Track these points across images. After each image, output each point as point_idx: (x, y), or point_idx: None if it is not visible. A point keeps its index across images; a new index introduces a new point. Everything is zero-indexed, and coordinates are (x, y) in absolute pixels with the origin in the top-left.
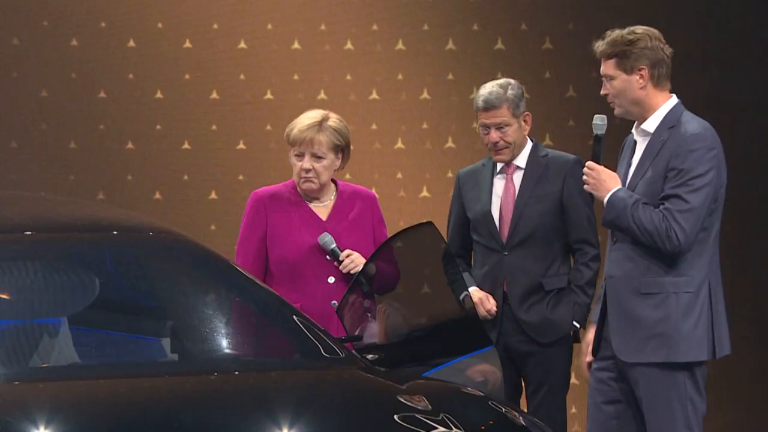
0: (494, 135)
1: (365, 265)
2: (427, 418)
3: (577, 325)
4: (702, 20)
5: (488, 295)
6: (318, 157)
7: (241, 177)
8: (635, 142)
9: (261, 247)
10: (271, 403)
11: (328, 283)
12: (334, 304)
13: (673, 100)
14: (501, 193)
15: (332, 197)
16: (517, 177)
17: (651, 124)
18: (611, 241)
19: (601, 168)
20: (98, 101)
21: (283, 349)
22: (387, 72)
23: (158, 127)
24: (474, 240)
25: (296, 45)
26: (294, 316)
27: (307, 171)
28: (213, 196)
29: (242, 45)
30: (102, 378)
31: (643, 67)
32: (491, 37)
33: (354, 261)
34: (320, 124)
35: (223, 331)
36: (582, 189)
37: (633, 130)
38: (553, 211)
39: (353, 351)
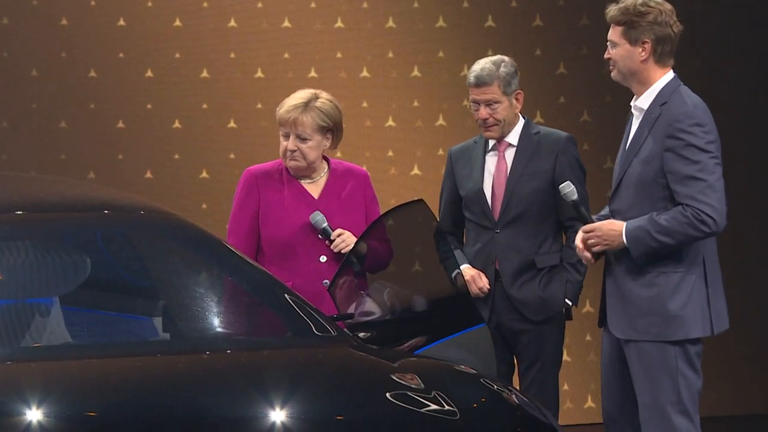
0: (484, 112)
1: (356, 244)
2: (419, 396)
3: (569, 303)
4: (694, 10)
5: (480, 273)
6: (303, 138)
7: (232, 155)
8: (631, 117)
9: (254, 225)
10: (263, 382)
11: (320, 262)
12: (326, 283)
13: (669, 75)
14: (493, 171)
15: (324, 175)
16: (509, 154)
17: (645, 100)
18: (612, 217)
19: (595, 225)
20: (88, 80)
21: (275, 327)
22: (377, 50)
23: (149, 106)
24: (466, 218)
25: (286, 23)
26: (286, 295)
27: (292, 151)
28: (204, 174)
29: (232, 23)
30: (94, 357)
31: (647, 41)
32: (481, 14)
33: (345, 240)
34: (306, 105)
35: (214, 310)
36: (574, 166)
37: (631, 104)
38: (545, 188)
39: (345, 329)
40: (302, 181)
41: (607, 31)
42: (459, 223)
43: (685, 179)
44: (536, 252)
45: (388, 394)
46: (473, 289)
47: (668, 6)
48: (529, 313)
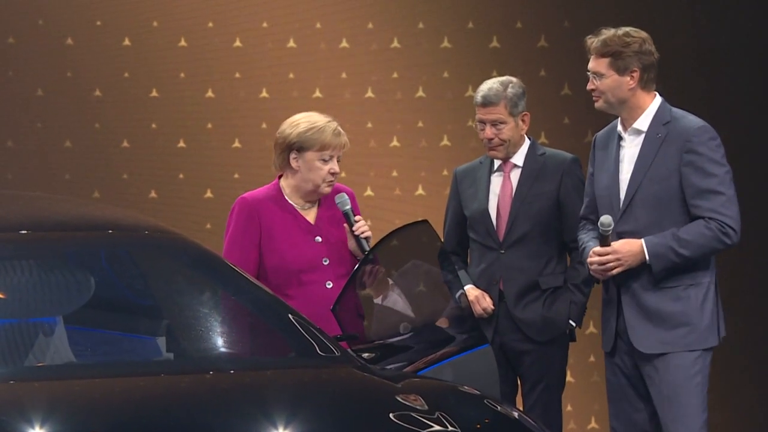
0: (489, 131)
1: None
2: (422, 417)
3: (573, 324)
4: (696, 18)
5: (484, 293)
6: (338, 161)
7: (236, 175)
8: (619, 140)
9: (254, 253)
10: (266, 402)
11: (326, 288)
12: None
13: (659, 98)
14: (498, 192)
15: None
16: (515, 175)
17: (643, 122)
18: (618, 239)
19: (609, 248)
20: (93, 100)
21: (279, 347)
22: (382, 70)
23: (153, 125)
24: (471, 238)
25: (291, 43)
26: (290, 315)
27: (334, 174)
28: (209, 194)
29: (237, 43)
30: (97, 377)
31: (636, 69)
32: (486, 35)
33: (365, 226)
34: (339, 128)
35: (218, 330)
36: (579, 187)
37: (618, 128)
38: (549, 209)
39: (349, 350)
40: (297, 207)
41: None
42: (463, 243)
43: (705, 193)
44: (540, 273)
45: (391, 415)
46: (477, 309)
47: (647, 35)
48: (532, 333)
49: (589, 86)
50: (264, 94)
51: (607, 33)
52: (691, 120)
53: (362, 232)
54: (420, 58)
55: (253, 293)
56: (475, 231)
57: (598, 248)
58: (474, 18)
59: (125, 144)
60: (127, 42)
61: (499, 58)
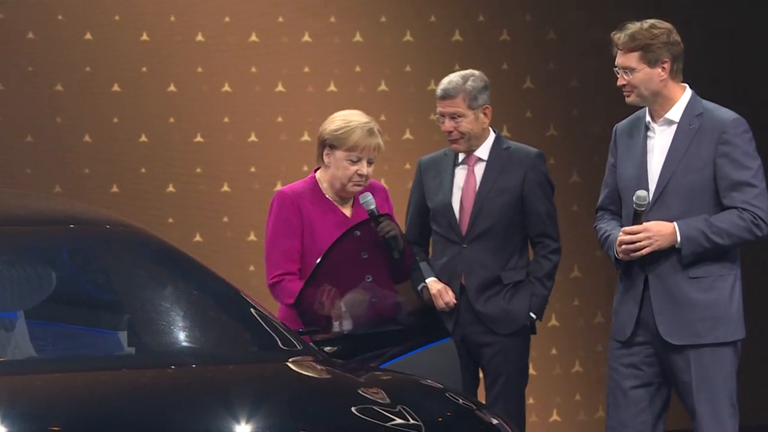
0: (448, 124)
1: (399, 234)
2: (384, 410)
3: (534, 316)
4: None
5: (447, 287)
6: (370, 162)
7: (198, 170)
8: (647, 130)
9: (298, 245)
10: (228, 396)
11: (366, 281)
12: (374, 302)
13: (689, 90)
14: (462, 185)
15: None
16: (479, 169)
17: (675, 113)
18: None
19: (643, 226)
20: (55, 94)
21: (241, 341)
22: (344, 64)
23: (115, 120)
24: (433, 230)
25: (254, 37)
26: (252, 309)
27: (362, 176)
28: (170, 189)
29: (200, 38)
30: (59, 372)
31: (666, 60)
32: (449, 28)
33: (391, 224)
34: (375, 130)
35: (180, 325)
36: (543, 183)
37: (647, 119)
38: (513, 204)
39: (311, 344)
40: (335, 202)
41: (571, 45)
42: (425, 234)
43: (738, 185)
44: (503, 268)
45: (353, 408)
46: (440, 303)
47: (670, 25)
48: (494, 326)
49: (620, 82)
50: (226, 88)
51: (633, 27)
52: (725, 112)
53: (386, 233)
54: (382, 51)
55: (215, 287)
56: (438, 224)
57: (629, 227)
58: (436, 12)
59: (87, 138)
60: (88, 36)
61: (461, 52)
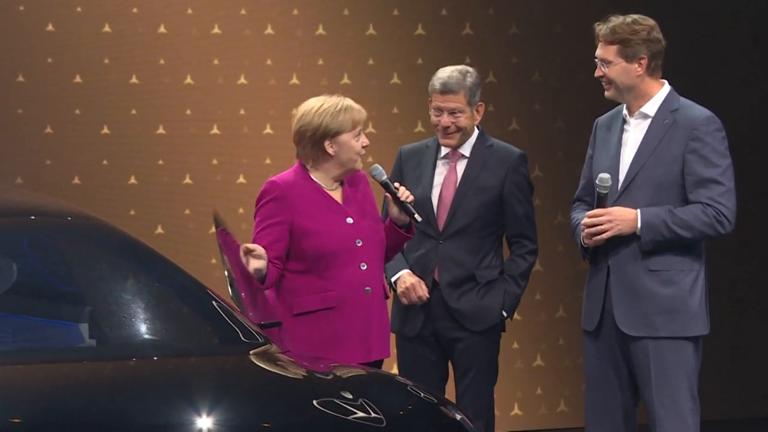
0: (446, 119)
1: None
2: (346, 404)
3: (505, 314)
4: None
5: (420, 281)
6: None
7: (161, 162)
8: (624, 123)
9: (286, 235)
10: (189, 389)
11: (361, 269)
12: (368, 290)
13: (667, 86)
14: (442, 180)
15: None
16: (461, 165)
17: (650, 108)
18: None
19: (606, 209)
20: (16, 85)
21: (203, 334)
22: (307, 57)
23: (77, 111)
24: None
25: (216, 29)
26: (213, 302)
27: (365, 147)
28: (132, 181)
29: (162, 30)
30: (19, 363)
31: (644, 57)
32: (412, 22)
33: (407, 191)
34: (351, 101)
35: (142, 317)
36: (523, 185)
37: (624, 113)
38: (491, 203)
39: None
40: (325, 187)
41: (534, 40)
42: None
43: (706, 181)
44: (477, 266)
45: (315, 402)
46: (412, 296)
47: (653, 22)
48: (466, 322)
49: (598, 73)
50: (189, 80)
51: (616, 20)
52: (699, 109)
53: (407, 197)
54: (345, 45)
55: (176, 280)
56: None
57: (593, 211)
58: (399, 5)
59: (48, 130)
60: (50, 27)
61: (424, 46)
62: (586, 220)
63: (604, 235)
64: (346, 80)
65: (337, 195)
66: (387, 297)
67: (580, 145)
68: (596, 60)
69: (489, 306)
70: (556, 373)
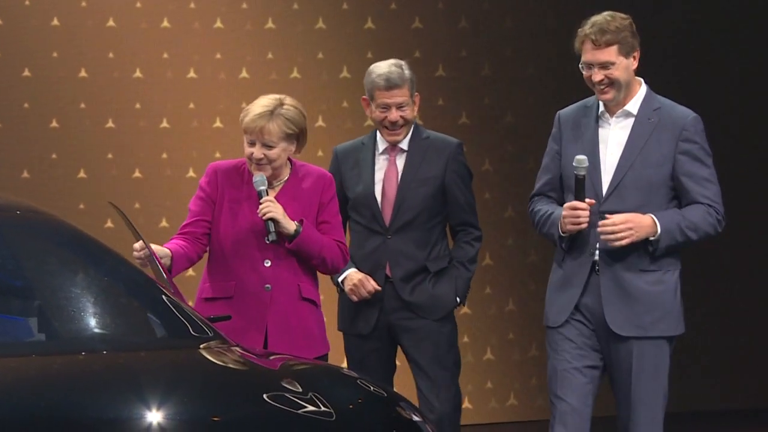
0: (395, 114)
1: (284, 220)
2: (295, 398)
3: (459, 300)
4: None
5: (367, 276)
6: (268, 146)
7: (110, 155)
8: (599, 119)
9: (208, 213)
10: (139, 383)
11: (265, 266)
12: (268, 288)
13: (644, 83)
14: (383, 176)
15: (285, 178)
16: (400, 160)
17: (633, 105)
18: (599, 218)
19: (625, 216)
20: None
21: (152, 328)
22: (257, 51)
23: (26, 105)
24: (353, 219)
25: (165, 23)
26: (163, 296)
27: (259, 159)
28: (82, 174)
29: (111, 23)
30: None
31: (637, 50)
32: (361, 16)
33: (269, 207)
34: (272, 113)
35: (91, 311)
36: (463, 173)
37: (601, 109)
38: (434, 194)
39: (221, 331)
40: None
41: (484, 34)
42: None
43: (703, 181)
44: (427, 258)
45: (264, 396)
46: (362, 292)
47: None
48: (422, 313)
49: (597, 78)
50: (138, 74)
51: (603, 20)
52: (683, 109)
53: (263, 214)
54: (294, 38)
55: (126, 273)
56: (360, 214)
57: (613, 217)
58: None
59: None
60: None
61: (373, 40)
62: (603, 228)
63: (622, 242)
64: (295, 74)
65: (272, 191)
66: (310, 302)
67: (530, 139)
68: (582, 65)
69: (442, 294)
70: (506, 367)
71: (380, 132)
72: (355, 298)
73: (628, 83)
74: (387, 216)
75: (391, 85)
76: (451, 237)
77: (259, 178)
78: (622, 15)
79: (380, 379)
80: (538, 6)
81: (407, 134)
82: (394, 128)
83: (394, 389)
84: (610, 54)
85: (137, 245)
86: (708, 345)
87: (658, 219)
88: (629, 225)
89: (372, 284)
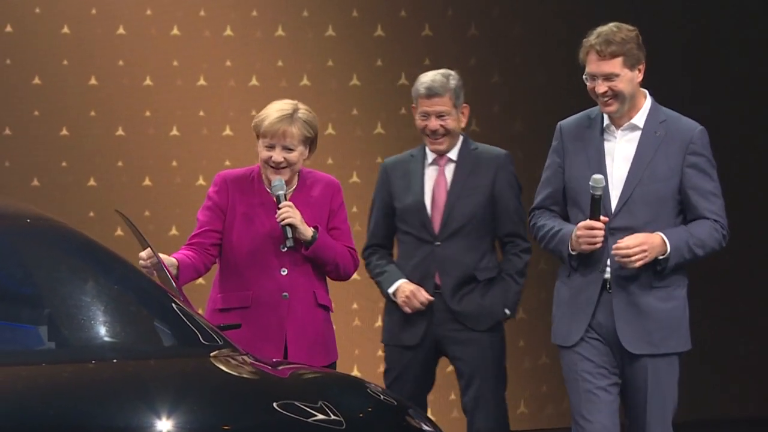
0: (434, 122)
1: (302, 226)
2: (305, 406)
3: (508, 312)
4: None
5: (419, 287)
6: (288, 149)
7: (120, 163)
8: (603, 132)
9: (218, 223)
10: (149, 391)
11: (281, 274)
12: (285, 296)
13: (649, 95)
14: (433, 185)
15: (294, 186)
16: (449, 169)
17: (639, 119)
18: (609, 234)
19: (638, 239)
20: None
21: (162, 336)
22: (266, 59)
23: (36, 113)
24: (402, 231)
25: (175, 31)
26: (173, 304)
27: (279, 163)
28: (92, 182)
29: (121, 31)
30: None
31: (642, 62)
32: (370, 24)
33: (288, 212)
34: (291, 116)
35: (101, 319)
36: (513, 182)
37: (606, 122)
38: (483, 203)
39: (231, 340)
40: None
41: (494, 41)
42: (391, 236)
43: (709, 195)
44: (476, 266)
45: (275, 404)
46: (415, 303)
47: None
48: (470, 323)
49: (601, 89)
50: (148, 81)
51: (608, 31)
52: (688, 121)
53: (282, 219)
54: (304, 46)
55: (136, 282)
56: (408, 223)
57: (627, 239)
58: (358, 7)
59: (7, 131)
60: (8, 29)
61: (383, 47)
62: (618, 251)
63: (637, 264)
64: (305, 82)
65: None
66: (324, 308)
67: (540, 146)
68: (586, 77)
69: (491, 304)
70: (516, 374)
71: (424, 141)
72: (408, 310)
73: (633, 96)
74: (436, 224)
75: (431, 93)
76: (499, 249)
77: (278, 183)
78: (629, 27)
79: (417, 391)
80: (547, 14)
81: (453, 145)
82: (434, 137)
83: (427, 402)
84: (615, 66)
85: (143, 254)
86: (718, 352)
87: (667, 237)
88: (643, 247)
89: (424, 295)
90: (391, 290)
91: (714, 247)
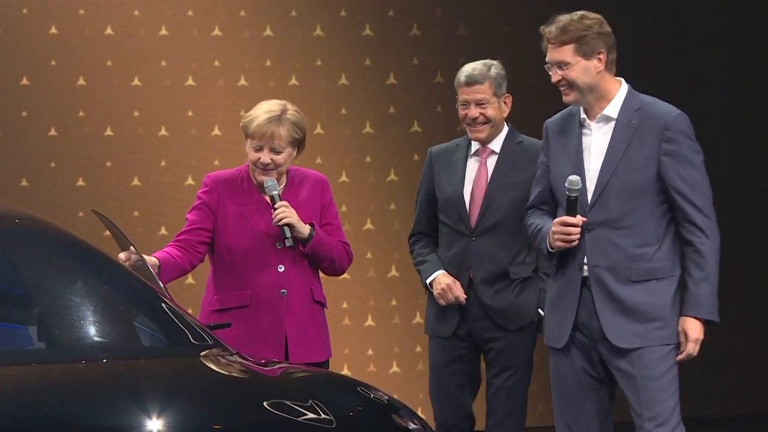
0: (474, 111)
1: (299, 225)
2: (296, 405)
3: (542, 313)
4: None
5: (456, 281)
6: (276, 151)
7: (108, 163)
8: (582, 127)
9: (208, 224)
10: (139, 391)
11: (278, 271)
12: (283, 292)
13: (625, 84)
14: (473, 177)
15: (283, 184)
16: (491, 162)
17: (612, 109)
18: (586, 229)
19: (690, 340)
20: None
21: (152, 336)
22: (255, 58)
23: (24, 113)
24: (441, 221)
25: (164, 31)
26: (162, 304)
27: (266, 165)
28: (80, 182)
29: (109, 31)
30: None
31: (602, 51)
32: (359, 23)
33: (284, 212)
34: (280, 118)
35: (91, 319)
36: None
37: (582, 116)
38: (523, 199)
39: (221, 339)
40: (259, 188)
41: (482, 40)
42: (433, 223)
43: (693, 188)
44: (510, 263)
45: (265, 403)
46: (449, 297)
47: (600, 16)
48: (501, 321)
49: (555, 78)
50: (136, 81)
51: (564, 19)
52: (665, 106)
53: (279, 220)
54: (293, 45)
55: (125, 282)
56: (447, 215)
57: (567, 218)
58: (347, 7)
59: None
60: None
61: (372, 47)
62: (683, 358)
63: (681, 357)
64: (294, 81)
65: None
66: (320, 305)
67: None
68: (547, 65)
69: (525, 304)
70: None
71: (466, 130)
72: (442, 302)
73: (594, 86)
74: (473, 217)
75: (470, 81)
76: None
77: (271, 183)
78: (593, 15)
79: (462, 386)
80: (536, 13)
81: (496, 134)
82: (474, 125)
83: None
84: (565, 53)
85: (122, 255)
86: (724, 348)
87: (704, 312)
88: (697, 347)
89: (459, 290)
90: (428, 280)
91: (718, 253)
